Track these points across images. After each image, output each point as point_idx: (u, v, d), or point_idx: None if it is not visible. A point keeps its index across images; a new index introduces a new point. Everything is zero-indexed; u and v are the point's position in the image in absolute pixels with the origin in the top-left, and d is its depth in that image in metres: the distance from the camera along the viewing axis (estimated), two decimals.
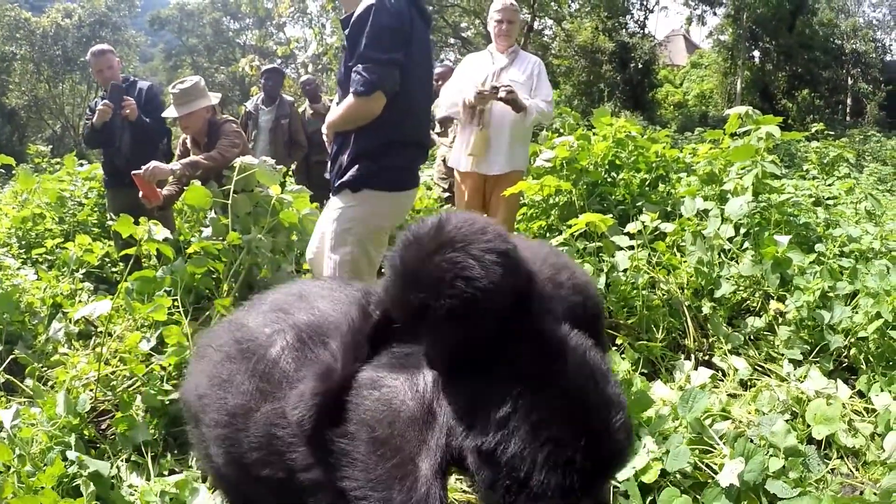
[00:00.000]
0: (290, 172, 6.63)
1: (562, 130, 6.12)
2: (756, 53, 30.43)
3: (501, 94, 3.98)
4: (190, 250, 3.41)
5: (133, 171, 3.88)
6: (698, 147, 4.70)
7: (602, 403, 1.20)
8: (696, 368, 3.11)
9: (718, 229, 3.53)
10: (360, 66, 2.52)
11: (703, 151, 4.50)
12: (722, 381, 3.12)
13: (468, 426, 1.21)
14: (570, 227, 3.50)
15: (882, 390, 2.85)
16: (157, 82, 35.12)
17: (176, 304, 3.04)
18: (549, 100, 4.25)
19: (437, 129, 6.38)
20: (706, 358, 3.32)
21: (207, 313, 3.15)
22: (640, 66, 28.55)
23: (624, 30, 29.08)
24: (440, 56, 28.80)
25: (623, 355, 3.15)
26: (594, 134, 4.55)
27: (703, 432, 2.39)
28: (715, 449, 2.34)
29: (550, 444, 1.14)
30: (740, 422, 2.72)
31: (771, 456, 2.28)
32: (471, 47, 24.10)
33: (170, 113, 4.18)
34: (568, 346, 1.26)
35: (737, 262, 3.59)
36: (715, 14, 30.12)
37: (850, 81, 32.03)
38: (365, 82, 2.51)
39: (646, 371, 3.15)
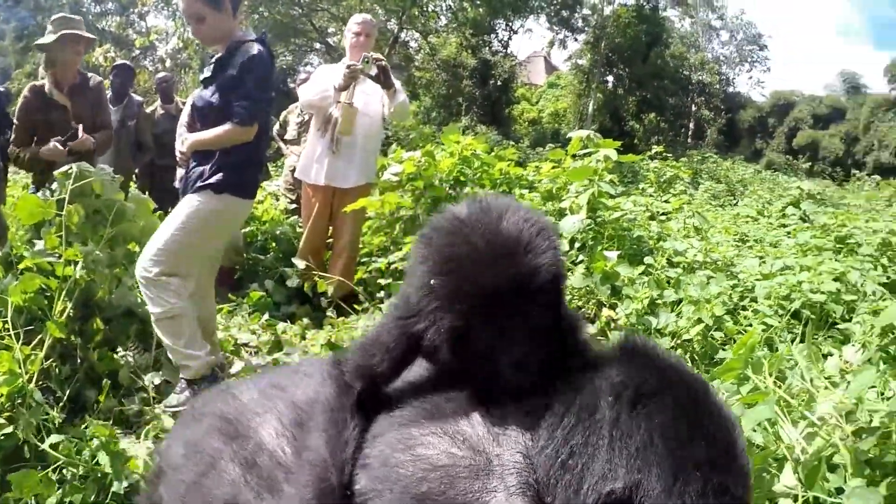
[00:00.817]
0: (134, 177, 6.28)
1: (420, 143, 6.20)
2: (610, 78, 32.80)
3: (372, 69, 4.08)
4: (21, 266, 3.12)
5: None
6: (541, 165, 4.90)
7: (723, 413, 0.96)
8: None
9: None
10: (244, 102, 3.04)
11: (546, 170, 4.69)
12: None
13: (576, 476, 0.90)
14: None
15: None
16: (7, 64, 31.86)
17: (6, 325, 2.76)
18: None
19: (289, 135, 6.28)
20: None
21: (40, 336, 2.89)
22: (499, 83, 29.70)
23: (487, 48, 30.07)
24: (304, 60, 28.54)
25: None
26: (443, 150, 4.64)
27: None
28: None
29: (704, 468, 0.88)
30: None
31: None
32: (335, 53, 23.95)
33: (74, 30, 4.22)
34: (635, 343, 1.04)
35: (571, 274, 3.77)
36: (576, 40, 32.01)
37: (693, 108, 35.56)
38: (249, 115, 3.05)
39: None
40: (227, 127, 3.07)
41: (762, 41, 37.87)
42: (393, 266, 3.87)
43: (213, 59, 3.20)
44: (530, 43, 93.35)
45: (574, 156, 4.52)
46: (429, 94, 28.94)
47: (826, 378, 3.00)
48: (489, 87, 29.20)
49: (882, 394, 2.51)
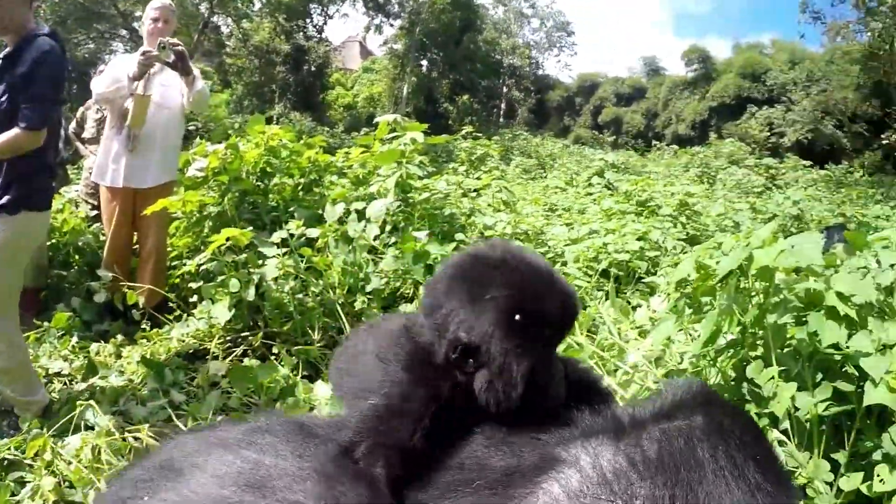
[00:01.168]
0: None
1: (230, 133, 6.01)
2: (424, 62, 33.94)
3: (169, 56, 3.93)
4: None
5: None
6: (351, 151, 4.94)
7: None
8: None
9: (364, 230, 3.78)
10: (33, 104, 2.83)
11: (355, 156, 4.74)
12: None
13: None
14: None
15: None
16: None
17: None
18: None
19: (87, 133, 5.85)
20: None
21: None
22: (313, 68, 29.51)
23: (302, 33, 29.60)
24: (108, 48, 26.54)
25: (281, 362, 3.24)
26: (248, 141, 4.54)
27: None
28: None
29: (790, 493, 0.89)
30: None
31: None
32: (140, 41, 22.43)
33: None
34: (701, 388, 1.03)
35: (382, 257, 3.87)
36: (391, 25, 32.38)
37: (505, 90, 38.26)
38: (39, 119, 2.84)
39: (308, 373, 3.26)
40: (14, 133, 2.84)
41: (569, 28, 41.80)
42: (203, 267, 3.73)
43: (2, 56, 2.94)
44: (345, 28, 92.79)
45: (382, 140, 4.61)
46: (241, 81, 28.11)
47: (637, 328, 3.35)
48: (303, 73, 28.87)
49: (688, 335, 2.86)
